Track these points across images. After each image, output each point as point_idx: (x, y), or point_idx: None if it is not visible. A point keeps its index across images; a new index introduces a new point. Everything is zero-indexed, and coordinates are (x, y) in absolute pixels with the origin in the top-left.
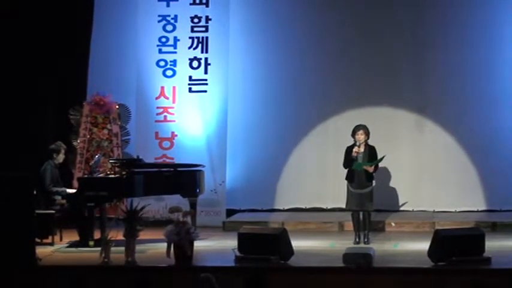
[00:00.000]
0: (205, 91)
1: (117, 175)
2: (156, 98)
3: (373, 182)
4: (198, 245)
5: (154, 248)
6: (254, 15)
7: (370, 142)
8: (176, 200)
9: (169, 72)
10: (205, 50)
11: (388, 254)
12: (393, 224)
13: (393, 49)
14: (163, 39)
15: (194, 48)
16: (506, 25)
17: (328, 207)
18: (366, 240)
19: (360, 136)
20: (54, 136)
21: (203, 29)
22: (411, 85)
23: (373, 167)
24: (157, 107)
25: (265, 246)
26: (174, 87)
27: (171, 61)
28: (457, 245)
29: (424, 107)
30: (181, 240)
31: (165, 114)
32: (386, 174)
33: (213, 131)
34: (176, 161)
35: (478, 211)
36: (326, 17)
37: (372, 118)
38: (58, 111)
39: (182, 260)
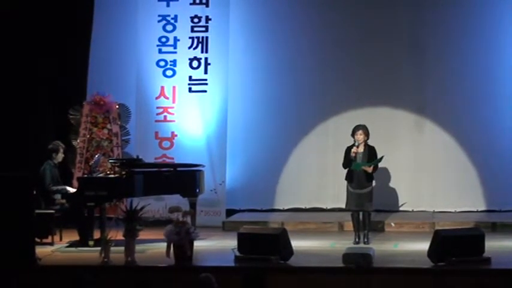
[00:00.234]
0: (205, 91)
1: (117, 175)
2: (156, 98)
3: (373, 182)
4: (198, 245)
5: (154, 248)
6: (254, 15)
7: (370, 142)
8: (176, 200)
9: (169, 72)
10: (205, 50)
11: (388, 254)
12: (393, 224)
13: (393, 49)
14: (163, 39)
15: (194, 48)
16: (506, 25)
17: (328, 207)
18: (365, 240)
19: (359, 136)
20: (54, 136)
21: (203, 29)
22: (411, 85)
23: (372, 168)
24: (157, 107)
25: (265, 246)
26: (174, 87)
27: (171, 61)
28: (457, 245)
29: (424, 107)
30: (181, 240)
31: (165, 114)
32: (386, 174)
33: (213, 131)
34: (176, 161)
35: (477, 211)
36: (326, 17)
37: (372, 118)
38: (58, 111)
39: (182, 260)
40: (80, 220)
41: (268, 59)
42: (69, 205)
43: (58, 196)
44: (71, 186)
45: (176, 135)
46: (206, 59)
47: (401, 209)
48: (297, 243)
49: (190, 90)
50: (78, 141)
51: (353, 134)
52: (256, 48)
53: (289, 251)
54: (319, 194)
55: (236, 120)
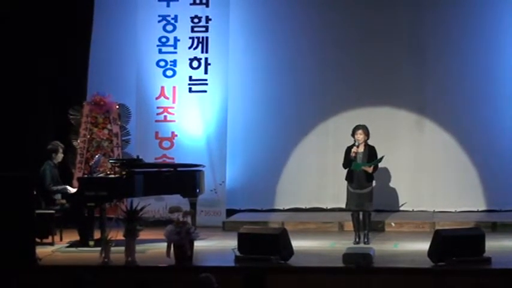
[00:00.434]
0: (205, 91)
1: (117, 175)
2: (156, 98)
3: (373, 182)
4: (198, 245)
5: (154, 248)
6: (254, 15)
7: (370, 142)
8: (176, 200)
9: (169, 72)
10: (205, 50)
11: (388, 254)
12: (393, 224)
13: (393, 49)
14: (164, 39)
15: (194, 48)
16: (506, 25)
17: (328, 207)
18: (365, 240)
19: (359, 136)
20: (54, 136)
21: (203, 29)
22: (411, 85)
23: (372, 168)
24: (158, 107)
25: (265, 246)
26: (174, 87)
27: (171, 61)
28: (457, 245)
29: (424, 107)
30: (181, 240)
31: (165, 114)
32: (386, 174)
33: (213, 131)
34: (176, 161)
35: (478, 211)
36: (326, 17)
37: (372, 118)
38: (58, 111)
39: (182, 260)
40: (80, 220)
41: (268, 59)
42: (69, 205)
43: (58, 196)
44: (71, 186)
45: (176, 135)
46: (206, 59)
47: (401, 208)
48: (297, 243)
49: (190, 90)
50: (79, 141)
51: (353, 134)
52: (256, 48)
53: (289, 251)
54: (319, 194)
55: (236, 120)
